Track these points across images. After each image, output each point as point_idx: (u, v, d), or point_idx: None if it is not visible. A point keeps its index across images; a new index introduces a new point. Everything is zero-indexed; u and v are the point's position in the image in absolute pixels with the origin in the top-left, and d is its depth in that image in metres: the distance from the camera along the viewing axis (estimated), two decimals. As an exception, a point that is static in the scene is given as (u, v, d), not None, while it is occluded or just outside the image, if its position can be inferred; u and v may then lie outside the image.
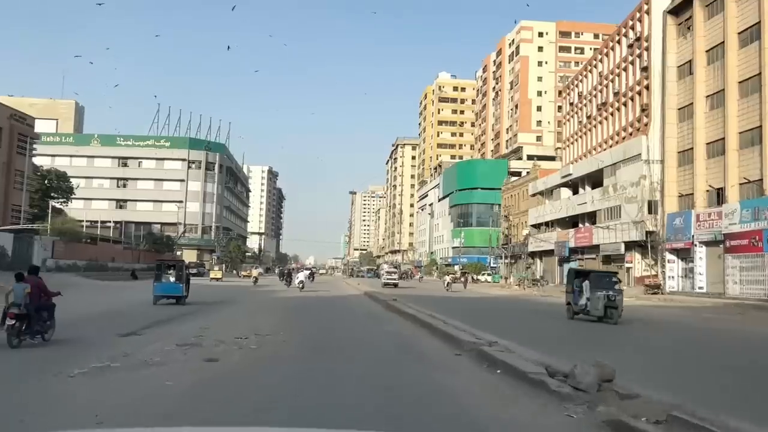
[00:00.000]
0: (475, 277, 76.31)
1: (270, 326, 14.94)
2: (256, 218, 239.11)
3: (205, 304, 23.27)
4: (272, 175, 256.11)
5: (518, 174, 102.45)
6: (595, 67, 56.98)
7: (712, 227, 36.31)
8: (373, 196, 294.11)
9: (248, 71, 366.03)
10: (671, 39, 41.71)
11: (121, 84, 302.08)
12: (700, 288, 37.51)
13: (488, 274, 70.92)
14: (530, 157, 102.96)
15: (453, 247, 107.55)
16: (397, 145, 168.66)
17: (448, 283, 42.48)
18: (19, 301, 10.43)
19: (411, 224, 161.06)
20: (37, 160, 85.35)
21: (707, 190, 37.73)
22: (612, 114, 52.40)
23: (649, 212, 42.66)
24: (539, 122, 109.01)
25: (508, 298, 37.72)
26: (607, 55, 54.03)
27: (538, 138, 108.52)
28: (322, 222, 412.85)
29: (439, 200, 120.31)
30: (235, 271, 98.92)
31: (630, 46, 48.79)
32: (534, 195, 63.08)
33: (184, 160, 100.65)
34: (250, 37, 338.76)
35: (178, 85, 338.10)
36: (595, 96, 56.41)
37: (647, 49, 45.47)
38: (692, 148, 39.00)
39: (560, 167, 61.90)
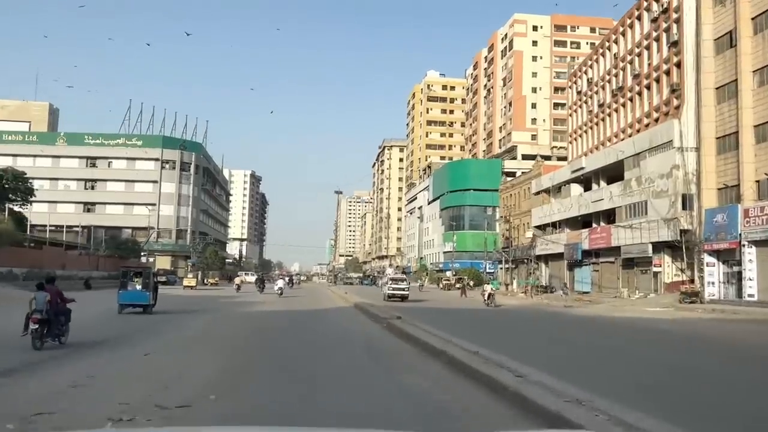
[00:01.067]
0: (470, 283, 70.44)
1: (203, 376, 8.78)
2: (238, 224, 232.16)
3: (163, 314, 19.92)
4: (255, 180, 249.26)
5: (513, 174, 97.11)
6: (609, 49, 51.36)
7: (766, 224, 30.62)
8: (359, 201, 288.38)
9: (228, 69, 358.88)
10: (706, 8, 36.11)
11: (96, 85, 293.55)
12: (750, 296, 31.74)
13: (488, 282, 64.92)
14: (525, 157, 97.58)
15: (444, 252, 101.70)
16: (384, 147, 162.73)
17: (489, 295, 32.41)
18: (40, 307, 11.54)
19: (399, 228, 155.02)
20: (-2, 160, 78.59)
21: (758, 181, 32.04)
22: (631, 99, 46.73)
23: (683, 208, 36.89)
24: (534, 120, 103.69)
25: (542, 313, 31.18)
26: (623, 34, 48.41)
27: (533, 137, 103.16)
28: (306, 228, 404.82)
29: (429, 203, 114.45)
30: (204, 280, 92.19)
31: (654, 20, 43.19)
32: (538, 193, 57.31)
33: (157, 159, 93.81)
34: (239, 34, 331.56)
35: (154, 86, 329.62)
36: (609, 81, 50.79)
37: (677, 21, 39.89)
38: (736, 132, 33.33)
39: (568, 162, 56.19)
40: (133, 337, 14.48)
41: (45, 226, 76.09)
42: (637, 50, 46.02)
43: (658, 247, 38.54)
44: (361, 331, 17.16)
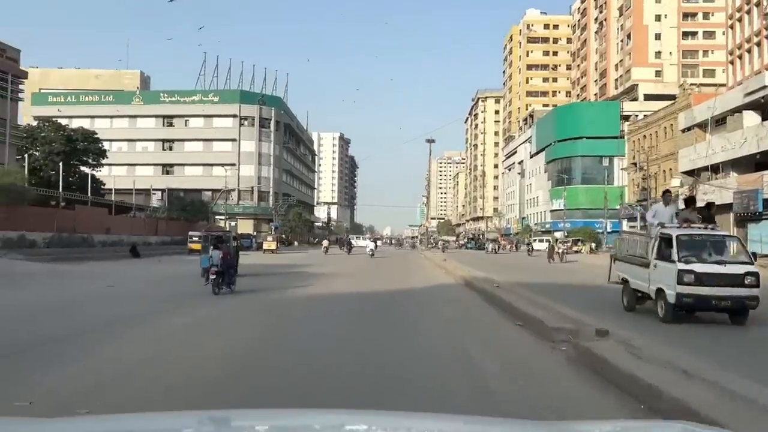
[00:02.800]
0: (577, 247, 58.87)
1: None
2: (328, 188, 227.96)
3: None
4: (344, 142, 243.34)
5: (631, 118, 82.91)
6: None
7: None
8: (450, 162, 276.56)
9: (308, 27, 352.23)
10: None
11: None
12: None
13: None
14: (648, 97, 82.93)
15: (551, 211, 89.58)
16: (478, 99, 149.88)
17: None
18: (216, 262, 14.67)
19: (495, 187, 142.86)
20: (75, 123, 74.58)
21: None
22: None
23: None
24: (658, 54, 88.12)
25: None
26: None
27: (658, 73, 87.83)
28: (397, 190, 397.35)
29: (532, 156, 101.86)
30: (296, 243, 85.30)
31: None
32: (688, 129, 44.73)
33: (235, 116, 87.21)
34: None
35: (231, 36, 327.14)
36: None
37: None
38: None
39: (728, 87, 43.07)
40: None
41: (116, 190, 71.75)
42: None
43: None
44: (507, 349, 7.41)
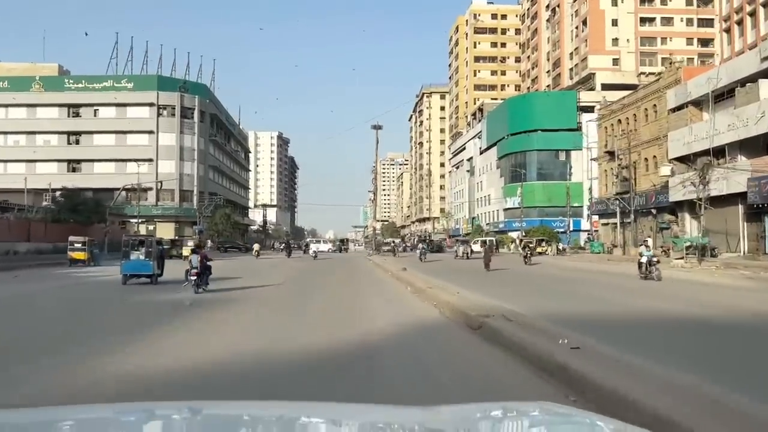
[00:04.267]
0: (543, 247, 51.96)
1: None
2: (267, 189, 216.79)
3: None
4: (282, 142, 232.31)
5: (590, 109, 77.15)
6: None
7: None
8: (393, 164, 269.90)
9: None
10: None
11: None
12: None
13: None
14: (606, 87, 77.40)
15: (505, 209, 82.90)
16: (423, 95, 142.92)
17: (649, 262, 16.60)
18: (195, 264, 16.24)
19: (442, 187, 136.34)
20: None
21: None
22: None
23: None
24: (615, 40, 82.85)
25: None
26: None
27: (615, 61, 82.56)
28: (340, 193, 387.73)
29: (482, 152, 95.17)
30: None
31: None
32: (679, 108, 38.01)
33: (152, 105, 76.48)
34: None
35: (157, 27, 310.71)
36: None
37: None
38: None
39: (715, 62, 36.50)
40: None
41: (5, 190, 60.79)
42: None
43: None
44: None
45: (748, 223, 32.84)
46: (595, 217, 55.63)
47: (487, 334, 7.96)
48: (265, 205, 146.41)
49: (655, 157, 42.38)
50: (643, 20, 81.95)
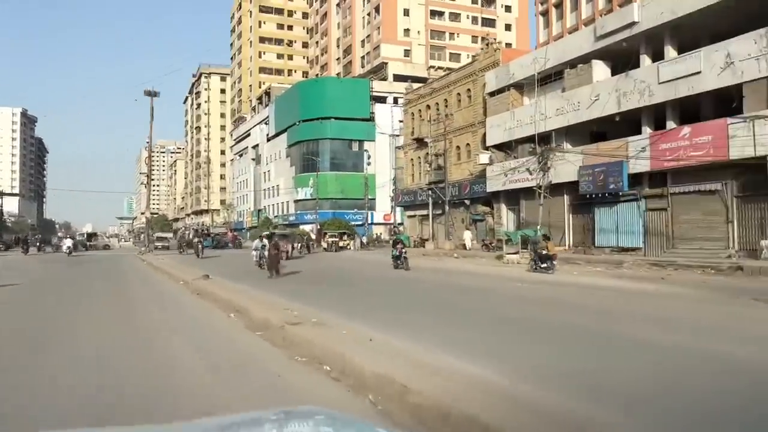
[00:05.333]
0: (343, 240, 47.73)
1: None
2: (7, 175, 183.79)
3: None
4: (28, 120, 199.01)
5: (382, 100, 74.91)
6: None
7: None
8: (164, 151, 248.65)
9: None
10: None
11: None
12: None
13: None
14: (398, 78, 75.90)
15: (296, 201, 77.17)
16: (201, 75, 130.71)
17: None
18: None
19: (223, 176, 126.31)
20: None
21: None
22: None
23: None
24: (407, 31, 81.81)
25: None
26: None
27: (407, 53, 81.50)
28: (101, 182, 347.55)
29: (269, 139, 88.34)
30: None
31: None
32: (499, 92, 35.51)
33: None
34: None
35: None
36: None
37: None
38: None
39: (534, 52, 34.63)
40: None
41: None
42: None
43: None
44: None
45: (574, 215, 31.16)
46: (400, 209, 52.47)
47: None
48: (2, 194, 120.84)
49: (468, 144, 39.83)
50: (434, 13, 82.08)
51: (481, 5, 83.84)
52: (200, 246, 33.75)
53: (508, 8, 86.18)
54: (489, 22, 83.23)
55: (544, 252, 20.89)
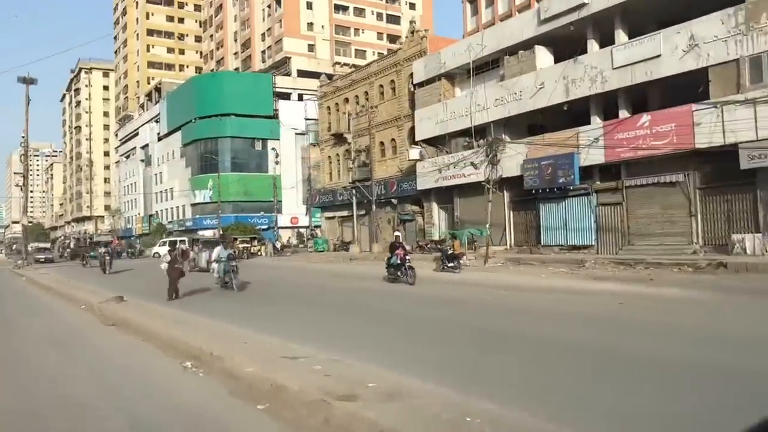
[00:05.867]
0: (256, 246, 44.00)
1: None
2: None
3: None
4: None
5: (286, 96, 70.86)
6: None
7: None
8: (37, 155, 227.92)
9: None
10: None
11: None
12: None
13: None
14: (301, 73, 72.31)
15: (193, 204, 71.33)
16: (80, 70, 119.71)
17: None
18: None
19: (107, 180, 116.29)
20: None
21: None
22: None
23: None
24: (311, 25, 78.22)
25: None
26: None
27: (311, 48, 77.89)
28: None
29: (161, 138, 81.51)
30: None
31: None
32: (428, 82, 33.03)
33: None
34: None
35: None
36: None
37: None
38: None
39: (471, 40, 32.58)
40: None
41: None
42: None
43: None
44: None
45: (516, 213, 29.17)
46: (318, 211, 48.85)
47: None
48: None
49: (394, 140, 37.08)
50: (338, 8, 79.06)
51: (386, 1, 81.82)
52: (107, 258, 27.94)
53: (412, 5, 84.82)
54: (394, 19, 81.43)
55: (450, 251, 21.28)
